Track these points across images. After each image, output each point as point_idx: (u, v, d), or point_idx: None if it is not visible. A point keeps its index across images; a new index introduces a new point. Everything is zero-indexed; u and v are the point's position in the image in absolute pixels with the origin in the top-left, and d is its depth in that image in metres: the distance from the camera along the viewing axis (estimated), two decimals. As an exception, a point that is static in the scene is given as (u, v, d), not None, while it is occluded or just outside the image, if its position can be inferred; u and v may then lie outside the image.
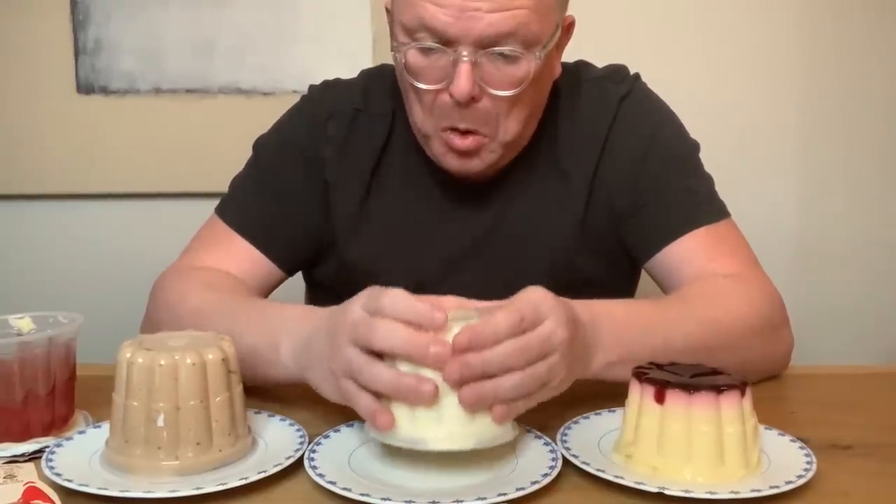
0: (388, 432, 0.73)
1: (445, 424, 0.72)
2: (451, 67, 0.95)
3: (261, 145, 1.17)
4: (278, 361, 0.86)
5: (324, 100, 1.15)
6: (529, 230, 1.11)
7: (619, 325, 0.87)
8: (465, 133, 1.00)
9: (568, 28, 1.05)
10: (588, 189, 1.09)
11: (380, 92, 1.14)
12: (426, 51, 0.96)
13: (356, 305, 0.76)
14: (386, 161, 1.12)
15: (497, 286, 0.83)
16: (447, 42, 0.95)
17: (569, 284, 1.08)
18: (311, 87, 1.19)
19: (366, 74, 1.20)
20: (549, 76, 1.05)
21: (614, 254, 1.13)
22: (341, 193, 1.12)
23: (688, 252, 1.05)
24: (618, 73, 1.14)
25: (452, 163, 1.04)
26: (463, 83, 0.94)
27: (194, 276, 1.05)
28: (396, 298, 0.74)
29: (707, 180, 1.11)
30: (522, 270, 1.06)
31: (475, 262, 1.11)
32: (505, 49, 0.94)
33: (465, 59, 0.94)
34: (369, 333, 0.73)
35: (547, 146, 1.10)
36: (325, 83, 1.19)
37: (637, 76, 1.14)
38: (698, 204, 1.08)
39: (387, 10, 1.04)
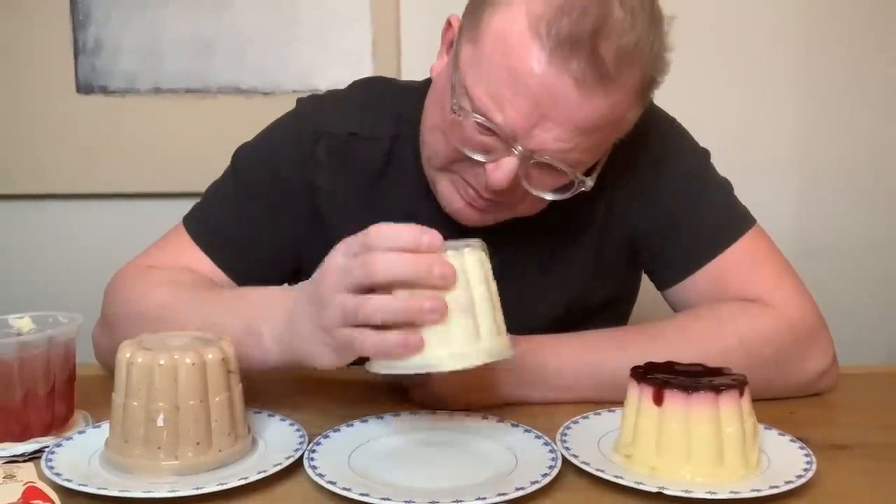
0: (398, 362, 0.71)
1: (454, 344, 0.71)
2: (498, 150, 0.88)
3: (241, 158, 1.07)
4: (263, 347, 0.83)
5: (314, 120, 1.05)
6: (541, 270, 1.06)
7: (565, 362, 0.91)
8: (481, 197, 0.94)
9: None
10: (604, 220, 1.05)
11: (378, 115, 1.06)
12: (482, 128, 0.88)
13: (336, 256, 0.74)
14: (382, 189, 1.05)
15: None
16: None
17: (578, 313, 1.07)
18: (301, 102, 1.09)
19: (362, 92, 1.10)
20: None
21: (621, 275, 1.11)
22: (336, 221, 1.04)
23: (704, 284, 1.01)
24: None
25: (459, 209, 0.96)
26: (503, 176, 0.88)
27: (155, 273, 0.99)
28: (382, 230, 0.71)
29: (722, 189, 1.06)
30: (532, 308, 1.04)
31: None
32: (553, 161, 0.88)
33: (517, 153, 0.87)
34: (365, 270, 0.71)
35: None
36: (316, 99, 1.09)
37: None
38: (717, 227, 1.02)
39: (450, 24, 0.95)
